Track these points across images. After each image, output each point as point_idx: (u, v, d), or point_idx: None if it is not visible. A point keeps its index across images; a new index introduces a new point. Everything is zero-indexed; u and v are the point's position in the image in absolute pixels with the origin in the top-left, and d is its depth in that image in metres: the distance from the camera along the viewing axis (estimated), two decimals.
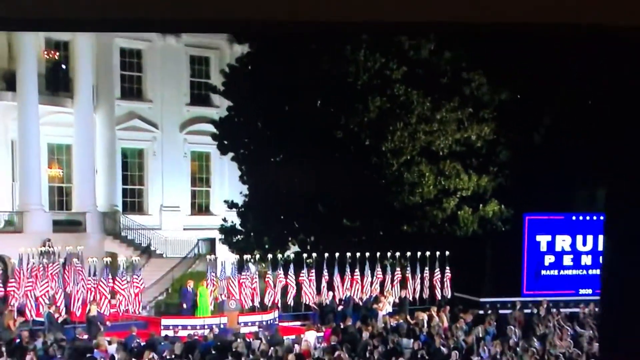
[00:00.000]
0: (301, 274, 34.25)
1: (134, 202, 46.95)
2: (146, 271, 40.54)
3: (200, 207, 48.56)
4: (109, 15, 3.65)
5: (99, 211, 42.57)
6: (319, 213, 39.61)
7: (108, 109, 44.25)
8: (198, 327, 29.77)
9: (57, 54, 43.62)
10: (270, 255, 37.00)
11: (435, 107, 39.67)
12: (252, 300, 33.19)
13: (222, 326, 30.20)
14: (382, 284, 35.43)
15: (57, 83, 42.68)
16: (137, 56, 46.68)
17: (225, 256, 38.00)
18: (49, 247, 37.07)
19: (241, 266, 36.35)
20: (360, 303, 34.70)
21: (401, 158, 39.41)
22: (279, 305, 33.79)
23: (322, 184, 39.14)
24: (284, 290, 33.99)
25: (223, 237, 41.42)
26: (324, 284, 34.27)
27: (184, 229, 46.01)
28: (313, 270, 34.49)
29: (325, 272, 34.46)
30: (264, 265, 38.23)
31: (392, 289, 35.36)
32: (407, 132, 39.43)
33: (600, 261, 11.09)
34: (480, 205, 39.32)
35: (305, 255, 37.55)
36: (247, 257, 35.77)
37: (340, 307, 33.95)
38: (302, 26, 3.91)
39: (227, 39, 45.51)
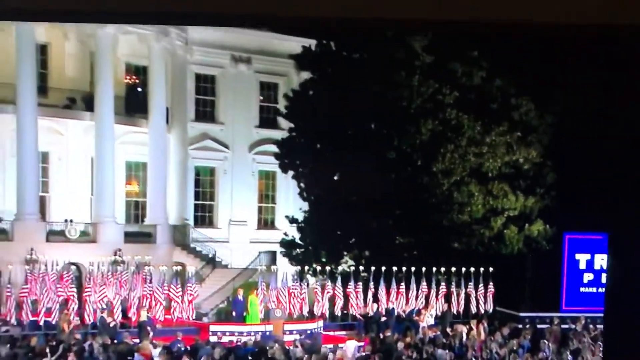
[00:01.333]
0: (349, 286, 33.88)
1: (204, 216, 47.15)
2: (210, 280, 40.77)
3: (266, 222, 48.52)
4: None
5: (170, 224, 42.79)
6: (372, 229, 39.19)
7: (181, 129, 44.62)
8: (245, 334, 29.54)
9: (135, 78, 44.34)
10: (319, 268, 36.84)
11: (485, 130, 39.09)
12: (301, 310, 32.87)
13: (267, 333, 29.96)
14: (427, 297, 34.78)
15: (135, 105, 43.14)
16: (211, 81, 47.03)
17: (284, 268, 37.93)
18: (119, 257, 37.44)
19: (299, 277, 36.43)
20: (404, 315, 34.14)
21: (451, 178, 38.80)
22: (327, 315, 33.46)
23: (375, 201, 38.77)
24: (332, 301, 33.64)
25: (284, 250, 41.42)
26: (370, 296, 33.87)
27: (251, 242, 46.10)
28: (360, 283, 34.17)
29: (371, 285, 34.10)
30: (320, 277, 38.10)
31: (436, 303, 34.69)
32: (457, 154, 38.85)
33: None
34: (526, 224, 38.47)
35: (353, 268, 37.35)
36: (297, 268, 35.67)
37: (383, 318, 33.42)
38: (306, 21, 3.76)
39: (295, 66, 45.38)
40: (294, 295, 32.58)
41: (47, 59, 42.19)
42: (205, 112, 46.97)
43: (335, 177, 40.68)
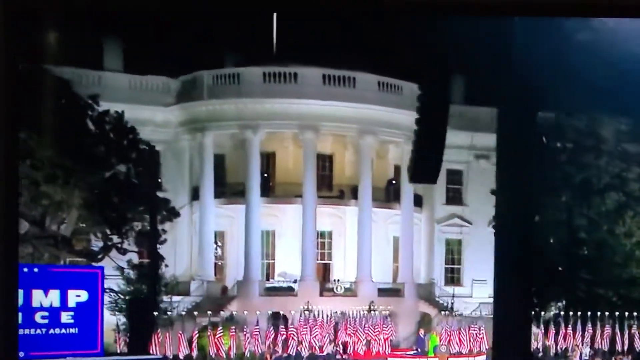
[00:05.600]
0: None
1: (453, 276, 50.61)
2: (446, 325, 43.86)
3: None
4: None
5: (416, 282, 46.80)
6: (567, 282, 40.40)
7: (430, 210, 48.93)
8: None
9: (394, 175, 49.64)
10: None
11: None
12: (479, 347, 34.90)
13: None
14: (592, 337, 35.28)
15: (394, 193, 48.37)
16: (458, 174, 51.00)
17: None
18: (372, 308, 42.00)
19: None
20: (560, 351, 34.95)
21: (632, 239, 39.14)
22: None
23: (570, 259, 40.21)
24: None
25: None
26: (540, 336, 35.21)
27: (489, 297, 48.43)
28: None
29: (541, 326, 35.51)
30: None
31: (601, 341, 35.01)
32: (638, 219, 39.19)
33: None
34: None
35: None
36: None
37: (540, 354, 34.55)
38: None
39: None
40: (474, 335, 34.85)
41: (333, 165, 49.06)
42: (454, 197, 50.87)
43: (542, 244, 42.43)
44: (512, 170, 11.95)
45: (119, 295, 40.21)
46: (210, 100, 46.56)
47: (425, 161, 11.53)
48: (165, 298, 41.92)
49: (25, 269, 27.52)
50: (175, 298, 43.26)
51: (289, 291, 44.25)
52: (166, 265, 41.79)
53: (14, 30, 3.86)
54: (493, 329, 12.17)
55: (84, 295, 27.78)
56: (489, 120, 50.45)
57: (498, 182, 11.91)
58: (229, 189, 48.23)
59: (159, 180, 40.79)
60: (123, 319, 37.09)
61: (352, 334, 35.14)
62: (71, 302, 27.86)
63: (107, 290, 40.88)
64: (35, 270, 27.94)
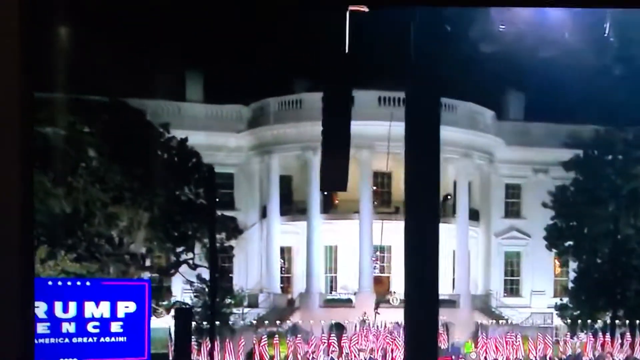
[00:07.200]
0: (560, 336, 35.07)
1: (512, 288, 49.90)
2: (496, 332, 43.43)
3: (559, 291, 49.28)
4: None
5: (472, 294, 46.43)
6: (620, 292, 39.51)
7: (487, 224, 48.56)
8: None
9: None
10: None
11: None
12: (516, 353, 34.48)
13: None
14: (631, 345, 34.32)
15: (450, 208, 48.43)
16: (517, 188, 50.46)
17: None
18: None
19: (571, 332, 38.38)
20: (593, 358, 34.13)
21: None
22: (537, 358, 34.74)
23: (624, 270, 39.38)
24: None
25: (558, 312, 43.04)
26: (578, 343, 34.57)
27: (548, 307, 47.48)
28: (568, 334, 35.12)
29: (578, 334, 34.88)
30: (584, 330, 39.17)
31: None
32: None
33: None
34: None
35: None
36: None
37: None
38: None
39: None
40: (510, 343, 34.48)
41: (391, 182, 49.54)
42: (513, 210, 50.36)
43: (591, 255, 41.72)
44: (419, 166, 11.91)
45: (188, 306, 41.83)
46: (276, 124, 48.06)
47: (332, 168, 11.86)
48: (235, 310, 43.27)
49: (79, 283, 29.40)
50: (244, 310, 44.65)
51: (347, 303, 44.92)
52: (231, 279, 43.38)
53: (28, 52, 3.86)
54: (404, 333, 12.39)
55: (132, 307, 29.29)
56: (547, 136, 49.97)
57: (406, 178, 11.90)
58: (295, 207, 49.49)
59: (217, 199, 42.22)
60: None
61: (390, 342, 35.37)
62: (120, 313, 29.37)
63: (179, 303, 42.86)
64: (88, 284, 29.69)
